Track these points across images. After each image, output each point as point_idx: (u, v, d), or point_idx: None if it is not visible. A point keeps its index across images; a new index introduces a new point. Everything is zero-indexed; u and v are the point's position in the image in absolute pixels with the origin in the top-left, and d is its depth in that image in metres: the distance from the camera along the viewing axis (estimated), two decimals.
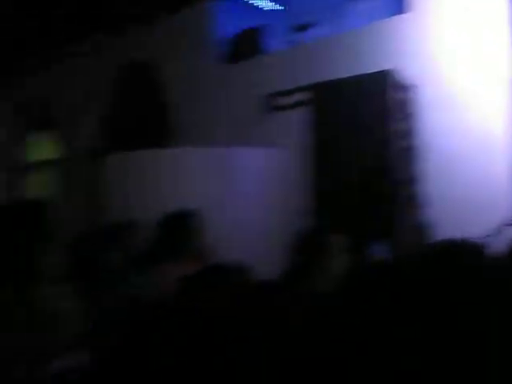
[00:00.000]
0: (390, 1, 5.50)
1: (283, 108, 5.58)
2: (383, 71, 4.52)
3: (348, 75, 5.07)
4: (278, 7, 6.52)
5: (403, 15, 5.12)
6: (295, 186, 4.92)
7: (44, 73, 7.78)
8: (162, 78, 6.50)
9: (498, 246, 1.93)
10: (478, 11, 4.68)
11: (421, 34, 4.98)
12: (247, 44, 6.06)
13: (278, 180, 4.72)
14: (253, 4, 6.45)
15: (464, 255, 1.52)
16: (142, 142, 5.27)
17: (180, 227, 3.43)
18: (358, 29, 5.37)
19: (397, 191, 4.49)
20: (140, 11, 6.19)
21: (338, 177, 5.12)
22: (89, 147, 7.34)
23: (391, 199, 4.45)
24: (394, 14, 5.26)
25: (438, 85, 4.81)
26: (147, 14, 6.30)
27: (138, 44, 6.73)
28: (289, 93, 5.53)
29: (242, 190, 4.44)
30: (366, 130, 4.55)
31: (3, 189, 8.66)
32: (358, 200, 4.67)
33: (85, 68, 7.32)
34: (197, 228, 3.47)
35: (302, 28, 6.02)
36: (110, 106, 7.28)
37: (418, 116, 4.81)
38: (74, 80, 7.47)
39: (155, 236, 3.51)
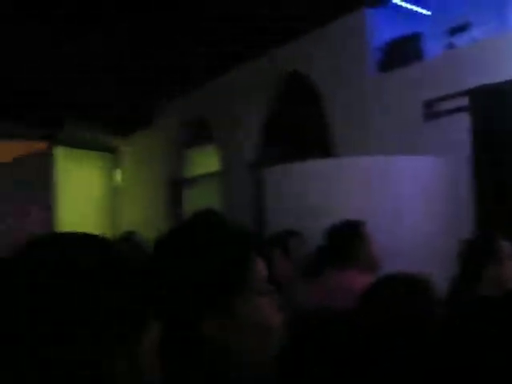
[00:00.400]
0: None
1: (442, 114, 5.45)
2: None
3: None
4: (431, 12, 6.40)
5: None
6: (457, 193, 4.79)
7: (204, 87, 8.08)
8: (320, 86, 6.56)
9: None
10: None
11: None
12: (403, 50, 5.98)
13: (438, 188, 4.61)
14: (406, 9, 6.37)
15: None
16: (302, 153, 5.33)
17: (349, 236, 3.46)
18: None
19: None
20: (295, 21, 6.25)
21: (503, 183, 4.95)
22: (249, 159, 7.54)
23: None
24: None
25: None
26: (303, 24, 6.36)
27: (295, 54, 6.84)
28: (448, 98, 5.39)
29: (402, 199, 4.38)
30: None
31: (165, 203, 9.10)
32: None
33: (243, 81, 7.53)
34: (365, 237, 3.48)
35: (458, 31, 5.85)
36: (269, 117, 7.45)
37: None
38: (233, 93, 7.70)
39: (324, 245, 3.55)
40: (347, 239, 3.44)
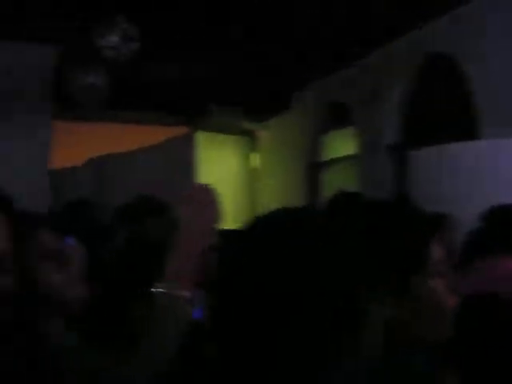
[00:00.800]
0: None
1: None
2: None
3: None
4: None
5: None
6: None
7: (342, 70, 8.06)
8: (465, 66, 6.35)
9: None
10: None
11: None
12: None
13: None
14: None
15: None
16: (444, 135, 5.20)
17: (505, 222, 3.34)
18: None
19: None
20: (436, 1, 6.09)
21: None
22: (388, 142, 7.45)
23: None
24: None
25: None
26: (445, 3, 6.18)
27: (437, 34, 6.66)
28: None
29: None
30: None
31: (303, 186, 9.18)
32: None
33: (384, 63, 7.43)
34: None
35: None
36: (410, 99, 7.31)
37: None
38: (373, 76, 7.61)
39: (480, 230, 3.44)
40: (502, 225, 3.32)
